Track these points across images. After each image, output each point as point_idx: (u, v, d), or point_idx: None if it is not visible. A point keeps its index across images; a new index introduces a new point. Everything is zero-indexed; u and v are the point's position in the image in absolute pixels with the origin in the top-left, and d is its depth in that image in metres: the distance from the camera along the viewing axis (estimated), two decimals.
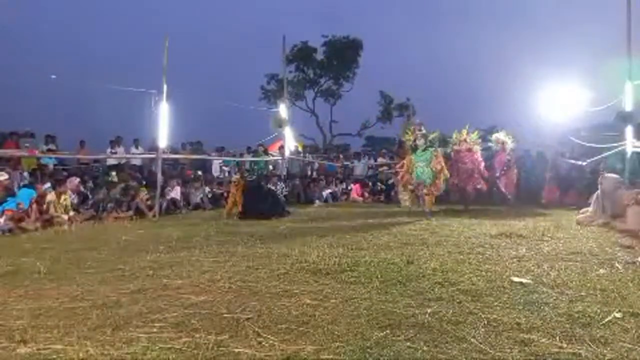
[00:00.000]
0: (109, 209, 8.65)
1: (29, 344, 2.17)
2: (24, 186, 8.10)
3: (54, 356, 2.03)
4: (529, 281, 3.28)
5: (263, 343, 2.18)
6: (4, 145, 9.85)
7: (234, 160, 14.27)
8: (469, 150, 9.18)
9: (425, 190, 7.88)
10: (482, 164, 9.31)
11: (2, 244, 5.68)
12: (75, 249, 5.05)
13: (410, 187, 8.10)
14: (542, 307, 2.68)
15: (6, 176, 7.88)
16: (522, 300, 2.81)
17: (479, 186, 9.12)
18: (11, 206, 7.23)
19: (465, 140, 9.21)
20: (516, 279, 3.32)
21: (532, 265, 3.80)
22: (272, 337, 2.23)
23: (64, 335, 2.29)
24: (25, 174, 8.95)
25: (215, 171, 13.62)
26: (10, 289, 3.22)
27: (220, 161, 14.11)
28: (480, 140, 9.95)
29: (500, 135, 10.13)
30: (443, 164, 8.08)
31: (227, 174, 13.40)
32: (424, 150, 8.02)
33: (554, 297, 2.88)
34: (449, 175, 8.49)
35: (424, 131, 8.23)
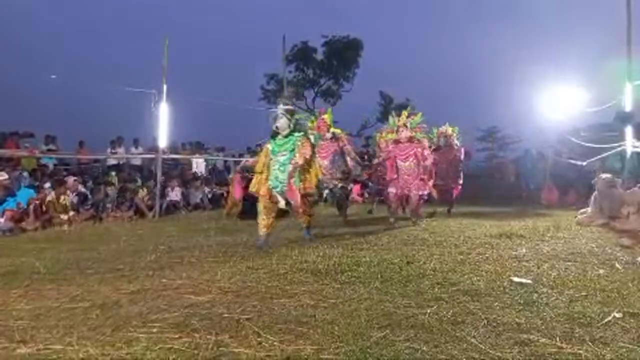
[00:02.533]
0: (108, 209, 8.66)
1: (29, 344, 2.17)
2: (25, 186, 8.10)
3: (54, 356, 2.03)
4: (529, 281, 3.28)
5: (263, 343, 2.18)
6: (4, 145, 9.84)
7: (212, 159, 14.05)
8: (411, 140, 6.82)
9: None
10: (429, 160, 6.92)
11: (2, 244, 5.68)
12: (74, 249, 5.05)
13: (266, 200, 5.05)
14: (542, 307, 2.68)
15: (6, 176, 7.88)
16: (522, 301, 2.81)
17: (421, 192, 6.84)
18: (11, 206, 7.23)
19: (405, 125, 6.86)
20: (516, 279, 3.32)
21: (532, 266, 3.80)
22: (272, 337, 2.23)
23: (64, 335, 2.29)
24: (25, 174, 8.94)
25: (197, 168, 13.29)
26: (10, 289, 3.22)
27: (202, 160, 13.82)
28: (449, 133, 8.38)
29: (446, 128, 8.56)
30: (310, 154, 5.10)
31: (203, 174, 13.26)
32: (286, 136, 5.10)
33: (554, 297, 2.88)
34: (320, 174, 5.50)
35: (287, 106, 5.28)
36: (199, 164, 13.28)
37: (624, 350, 2.07)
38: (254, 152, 14.72)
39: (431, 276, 3.45)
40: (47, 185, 8.30)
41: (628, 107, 8.49)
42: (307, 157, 5.09)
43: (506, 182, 13.58)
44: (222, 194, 10.96)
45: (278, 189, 5.03)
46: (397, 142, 6.98)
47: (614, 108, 9.17)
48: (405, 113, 7.13)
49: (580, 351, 2.05)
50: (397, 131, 7.01)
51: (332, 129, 7.32)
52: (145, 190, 9.63)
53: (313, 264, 3.93)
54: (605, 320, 2.44)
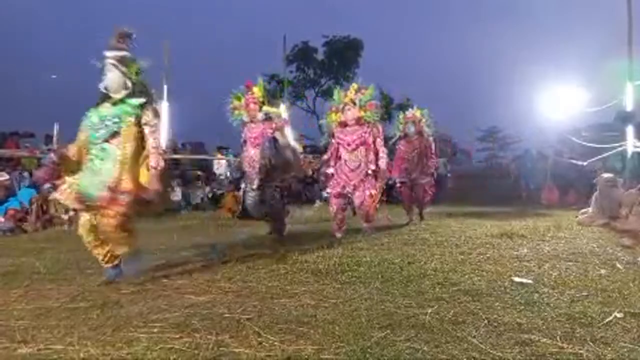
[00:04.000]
0: None
1: (29, 344, 2.17)
2: (26, 187, 8.11)
3: (55, 356, 2.03)
4: (530, 281, 3.27)
5: (263, 343, 2.17)
6: (5, 145, 9.85)
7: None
8: (359, 122, 5.31)
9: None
10: (383, 151, 5.44)
11: (2, 244, 5.68)
12: (75, 249, 5.03)
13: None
14: (543, 307, 2.68)
15: (7, 176, 7.88)
16: (523, 301, 2.81)
17: (369, 191, 5.30)
18: (14, 205, 7.23)
19: (352, 102, 5.30)
20: (517, 279, 3.32)
21: (533, 266, 3.80)
22: (272, 337, 2.23)
23: (65, 335, 2.28)
24: (26, 174, 8.94)
25: (218, 169, 13.47)
26: (10, 288, 3.22)
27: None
28: (417, 117, 6.87)
29: (414, 112, 7.11)
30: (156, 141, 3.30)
31: (228, 174, 13.32)
32: (115, 103, 3.29)
33: (555, 297, 2.87)
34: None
35: (120, 52, 3.29)
36: (221, 165, 13.31)
37: (625, 350, 2.07)
38: None
39: (432, 276, 3.44)
40: (47, 185, 8.29)
41: (629, 107, 8.50)
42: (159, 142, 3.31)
43: (506, 182, 13.60)
44: (222, 194, 10.96)
45: (88, 193, 3.13)
46: (342, 124, 5.38)
47: (615, 108, 9.19)
48: (354, 86, 5.48)
49: (582, 351, 2.05)
50: (343, 110, 5.37)
51: (265, 108, 5.53)
52: None
53: (313, 264, 3.93)
54: (607, 320, 2.43)
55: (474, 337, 2.23)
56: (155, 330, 2.35)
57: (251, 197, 5.46)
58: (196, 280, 3.42)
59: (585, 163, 9.83)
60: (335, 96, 5.57)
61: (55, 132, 8.94)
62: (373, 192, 5.33)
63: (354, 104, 5.34)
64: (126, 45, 3.32)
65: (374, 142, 5.37)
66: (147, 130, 3.27)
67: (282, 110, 5.75)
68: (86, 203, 3.18)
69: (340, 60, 24.49)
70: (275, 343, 2.17)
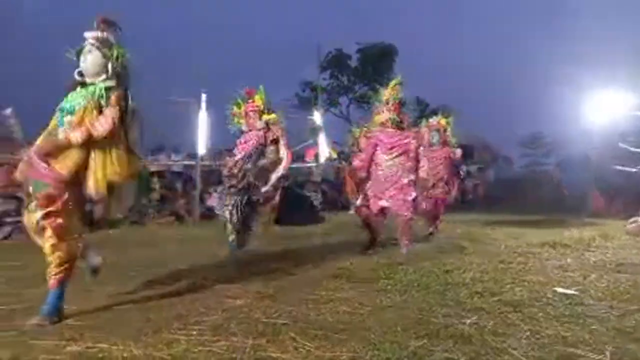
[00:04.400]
0: (150, 214, 8.96)
1: (78, 342, 2.27)
2: None
3: (101, 355, 2.11)
4: (575, 293, 3.14)
5: (299, 348, 2.19)
6: None
7: None
8: (401, 127, 4.91)
9: None
10: (424, 160, 5.00)
11: None
12: (118, 252, 5.24)
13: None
14: (589, 320, 2.56)
15: None
16: (567, 313, 2.70)
17: (406, 201, 4.73)
18: None
19: (387, 102, 4.86)
20: (561, 290, 3.19)
21: (578, 276, 3.64)
22: (308, 343, 2.24)
23: (109, 335, 2.37)
24: None
25: None
26: None
27: None
28: (442, 126, 6.25)
29: (438, 120, 6.51)
30: (108, 125, 2.65)
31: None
32: (84, 87, 2.79)
33: (603, 310, 2.74)
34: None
35: (105, 34, 2.85)
36: None
37: None
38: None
39: (471, 285, 3.36)
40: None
41: None
42: (101, 130, 2.63)
43: (549, 189, 13.12)
44: (258, 200, 11.10)
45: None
46: (383, 125, 4.90)
47: None
48: (395, 81, 4.98)
49: None
50: (383, 110, 4.92)
51: (264, 117, 5.07)
52: (184, 196, 9.91)
53: (348, 270, 3.92)
54: None
55: (515, 349, 2.16)
56: (194, 332, 2.41)
57: (226, 203, 5.01)
58: (233, 285, 3.48)
59: (636, 169, 9.35)
60: (381, 94, 5.09)
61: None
62: (410, 198, 4.75)
63: (387, 103, 4.90)
64: (107, 27, 2.89)
65: (415, 149, 4.87)
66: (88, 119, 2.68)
67: (278, 117, 5.24)
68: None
69: (374, 66, 24.44)
70: (311, 349, 2.18)
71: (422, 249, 5.08)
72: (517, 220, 8.23)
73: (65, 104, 2.79)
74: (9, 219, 7.02)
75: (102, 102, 2.73)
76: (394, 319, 2.62)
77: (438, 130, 6.36)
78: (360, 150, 6.96)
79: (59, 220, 2.64)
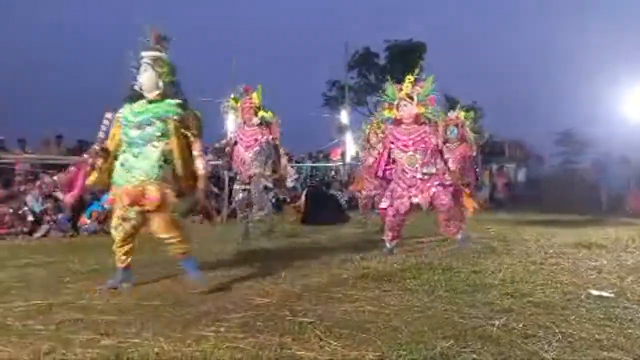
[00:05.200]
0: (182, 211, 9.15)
1: (111, 337, 2.35)
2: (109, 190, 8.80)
3: (132, 349, 2.18)
4: (611, 295, 3.03)
5: (325, 347, 2.19)
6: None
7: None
8: (418, 121, 4.70)
9: None
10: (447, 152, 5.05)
11: (89, 244, 6.20)
12: (149, 249, 5.38)
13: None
14: (626, 324, 2.46)
15: None
16: (602, 315, 2.60)
17: (442, 189, 4.60)
18: (96, 208, 7.88)
19: (408, 97, 4.69)
20: (595, 292, 3.08)
21: (614, 278, 3.51)
22: (333, 342, 2.25)
23: (141, 330, 2.45)
24: None
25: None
26: (95, 285, 3.50)
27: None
28: (461, 121, 5.93)
29: (457, 115, 6.17)
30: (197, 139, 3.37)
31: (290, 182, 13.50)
32: (152, 102, 3.32)
33: None
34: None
35: (156, 52, 3.33)
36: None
37: None
38: (315, 159, 14.98)
39: (500, 286, 3.29)
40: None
41: None
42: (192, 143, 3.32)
43: (584, 188, 12.67)
44: (285, 199, 11.19)
45: (124, 184, 3.24)
46: (397, 122, 4.75)
47: None
48: (409, 79, 4.79)
49: None
50: (398, 106, 4.69)
51: (260, 113, 5.60)
52: (213, 195, 10.08)
53: (375, 269, 3.90)
54: None
55: (546, 351, 2.10)
56: (222, 329, 2.45)
57: (241, 195, 5.66)
58: (260, 283, 3.52)
59: None
60: (389, 91, 4.85)
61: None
62: (447, 184, 4.59)
63: (411, 99, 4.65)
64: (162, 46, 3.37)
65: (436, 143, 4.69)
66: (190, 136, 3.32)
67: (273, 116, 5.76)
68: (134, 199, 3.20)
69: (402, 64, 24.19)
70: (337, 348, 2.18)
71: (451, 249, 5.00)
72: (550, 220, 7.99)
73: (133, 116, 3.27)
74: (47, 218, 7.31)
75: (177, 118, 3.26)
76: (420, 319, 2.60)
77: (456, 125, 6.03)
78: (370, 146, 7.00)
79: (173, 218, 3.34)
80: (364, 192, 7.37)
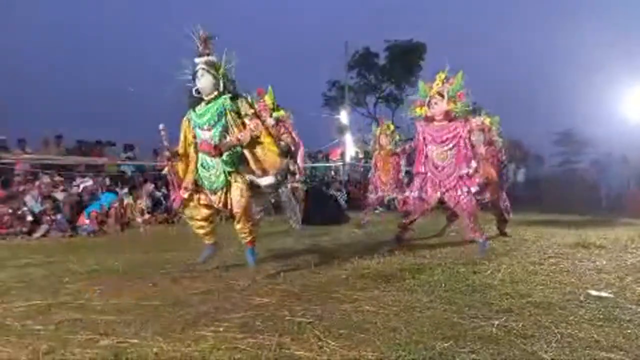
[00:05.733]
0: (180, 212, 9.15)
1: (110, 337, 2.35)
2: (107, 191, 8.83)
3: (132, 349, 2.18)
4: (610, 295, 3.03)
5: (324, 347, 2.19)
6: (90, 153, 10.76)
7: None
8: (449, 117, 4.72)
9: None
10: (479, 153, 5.06)
11: (88, 244, 6.20)
12: (149, 250, 5.39)
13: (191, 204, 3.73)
14: (625, 324, 2.47)
15: (91, 182, 8.63)
16: (601, 316, 2.61)
17: (473, 189, 4.67)
18: (95, 208, 7.89)
19: (440, 94, 4.68)
20: (594, 293, 3.09)
21: (613, 279, 3.51)
22: (332, 342, 2.25)
23: (140, 330, 2.45)
24: (107, 179, 9.70)
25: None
26: (93, 285, 3.50)
27: None
28: (487, 126, 5.87)
29: (482, 120, 6.09)
30: (258, 126, 3.54)
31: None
32: (213, 99, 3.57)
33: None
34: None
35: (207, 57, 3.56)
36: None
37: None
38: (315, 159, 14.98)
39: (499, 286, 3.29)
40: (125, 190, 8.97)
41: None
42: (255, 131, 3.51)
43: (583, 188, 12.68)
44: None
45: (207, 185, 3.65)
46: (429, 119, 4.79)
47: None
48: (440, 76, 4.76)
49: None
50: (429, 104, 4.74)
51: (275, 114, 5.96)
52: None
53: (374, 270, 3.90)
54: None
55: (545, 352, 2.10)
56: (221, 329, 2.45)
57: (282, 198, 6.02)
58: (260, 283, 3.52)
59: None
60: (420, 89, 4.90)
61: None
62: (473, 190, 4.63)
63: (442, 96, 4.67)
64: (210, 48, 3.60)
65: (466, 137, 4.67)
66: (246, 119, 3.59)
67: (287, 113, 6.07)
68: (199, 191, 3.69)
69: (401, 64, 24.20)
70: (336, 348, 2.18)
71: (450, 249, 5.00)
72: (549, 220, 7.99)
73: (198, 119, 3.59)
74: (46, 218, 7.31)
75: (233, 108, 3.56)
76: (420, 319, 2.60)
77: (482, 130, 5.97)
78: (382, 148, 7.35)
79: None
80: (376, 193, 7.51)
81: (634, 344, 2.20)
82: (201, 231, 3.88)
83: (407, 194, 4.96)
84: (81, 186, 8.65)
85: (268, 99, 5.90)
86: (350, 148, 14.68)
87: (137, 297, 3.16)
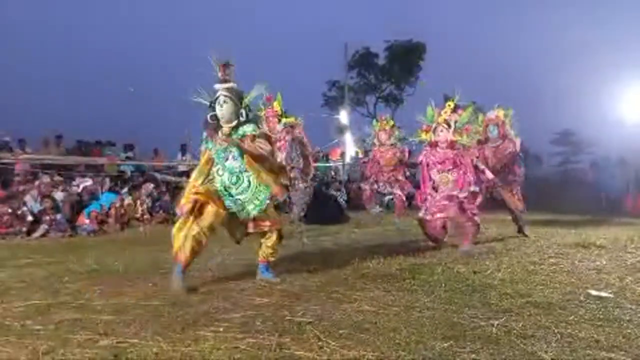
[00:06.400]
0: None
1: (110, 337, 2.35)
2: (108, 191, 8.83)
3: (131, 349, 2.17)
4: (610, 295, 3.03)
5: (324, 347, 2.19)
6: (90, 153, 10.76)
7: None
8: (452, 147, 4.87)
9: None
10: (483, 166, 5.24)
11: (88, 244, 6.20)
12: (149, 250, 5.38)
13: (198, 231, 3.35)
14: (625, 324, 2.47)
15: (90, 182, 8.63)
16: (601, 316, 2.61)
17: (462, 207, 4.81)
18: (95, 208, 7.88)
19: (446, 124, 4.87)
20: (594, 293, 3.09)
21: (613, 279, 3.51)
22: (332, 342, 2.24)
23: (140, 330, 2.45)
24: (107, 179, 9.70)
25: None
26: (93, 285, 3.50)
27: None
28: (500, 119, 5.92)
29: (496, 114, 6.15)
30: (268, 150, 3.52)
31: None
32: (232, 131, 3.50)
33: None
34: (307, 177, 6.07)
35: (230, 84, 3.51)
36: None
37: None
38: (315, 159, 14.97)
39: (499, 286, 3.29)
40: (124, 190, 8.97)
41: None
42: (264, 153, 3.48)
43: (583, 188, 12.68)
44: (285, 200, 11.17)
45: (236, 210, 3.48)
46: (433, 145, 5.00)
47: None
48: (450, 103, 4.93)
49: None
50: (435, 130, 4.93)
51: (283, 120, 6.17)
52: None
53: (374, 270, 3.90)
54: None
55: (545, 352, 2.10)
56: (221, 329, 2.45)
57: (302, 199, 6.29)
58: (259, 283, 3.52)
59: None
60: (428, 115, 5.06)
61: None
62: (470, 207, 4.82)
63: (449, 125, 4.87)
64: (230, 75, 3.52)
65: (470, 162, 4.92)
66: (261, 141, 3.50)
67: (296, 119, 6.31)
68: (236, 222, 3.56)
69: (401, 64, 24.20)
70: (336, 348, 2.18)
71: (450, 249, 5.00)
72: (548, 220, 7.99)
73: (222, 152, 3.48)
74: (46, 218, 7.31)
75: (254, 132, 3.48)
76: (420, 319, 2.60)
77: (497, 125, 6.06)
78: (381, 143, 7.47)
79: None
80: (371, 186, 7.64)
81: (634, 344, 2.20)
82: (195, 246, 3.33)
83: (421, 215, 5.00)
84: (81, 186, 8.65)
85: (277, 105, 6.06)
86: (350, 148, 14.68)
87: (137, 297, 3.16)
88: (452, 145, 4.88)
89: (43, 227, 7.17)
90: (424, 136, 5.12)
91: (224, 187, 3.49)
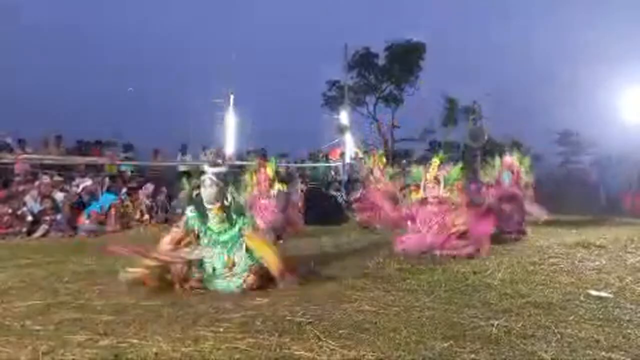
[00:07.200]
0: (179, 213, 9.15)
1: (110, 337, 2.35)
2: (107, 191, 8.84)
3: (131, 349, 2.17)
4: (610, 295, 3.03)
5: (324, 347, 2.19)
6: (90, 153, 10.76)
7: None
8: (442, 203, 4.91)
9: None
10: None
11: (87, 244, 6.20)
12: (150, 250, 5.37)
13: None
14: (625, 324, 2.47)
15: (90, 182, 8.63)
16: (601, 316, 2.61)
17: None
18: (95, 208, 7.89)
19: (435, 180, 4.95)
20: (594, 293, 3.09)
21: (613, 279, 3.51)
22: (332, 342, 2.24)
23: (139, 330, 2.44)
24: (107, 179, 9.71)
25: None
26: (93, 285, 3.50)
27: None
28: (515, 166, 6.13)
29: (512, 160, 6.40)
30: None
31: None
32: (223, 221, 3.58)
33: None
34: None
35: (219, 168, 3.65)
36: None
37: None
38: (315, 159, 14.99)
39: (499, 287, 3.29)
40: (124, 190, 8.98)
41: None
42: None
43: (583, 188, 12.68)
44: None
45: (224, 286, 3.38)
46: (423, 202, 4.98)
47: None
48: (436, 160, 5.04)
49: None
50: (424, 187, 4.98)
51: (276, 186, 5.99)
52: None
53: (374, 270, 3.90)
54: None
55: (545, 351, 2.10)
56: (221, 329, 2.45)
57: None
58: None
59: None
60: (415, 174, 5.23)
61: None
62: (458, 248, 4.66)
63: (438, 182, 4.93)
64: (222, 161, 3.65)
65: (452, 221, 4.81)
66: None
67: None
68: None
69: (401, 64, 24.17)
70: (336, 348, 2.18)
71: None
72: (549, 220, 7.98)
73: (216, 235, 3.51)
74: (46, 218, 7.31)
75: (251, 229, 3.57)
76: (420, 319, 2.60)
77: (511, 171, 6.19)
78: (375, 181, 7.48)
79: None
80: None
81: (634, 344, 2.20)
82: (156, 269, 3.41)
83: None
84: (81, 186, 8.65)
85: (269, 170, 6.02)
86: (350, 148, 14.69)
87: (136, 297, 3.15)
88: (442, 201, 4.88)
89: (43, 227, 7.17)
90: (414, 196, 5.17)
91: (212, 269, 3.46)
